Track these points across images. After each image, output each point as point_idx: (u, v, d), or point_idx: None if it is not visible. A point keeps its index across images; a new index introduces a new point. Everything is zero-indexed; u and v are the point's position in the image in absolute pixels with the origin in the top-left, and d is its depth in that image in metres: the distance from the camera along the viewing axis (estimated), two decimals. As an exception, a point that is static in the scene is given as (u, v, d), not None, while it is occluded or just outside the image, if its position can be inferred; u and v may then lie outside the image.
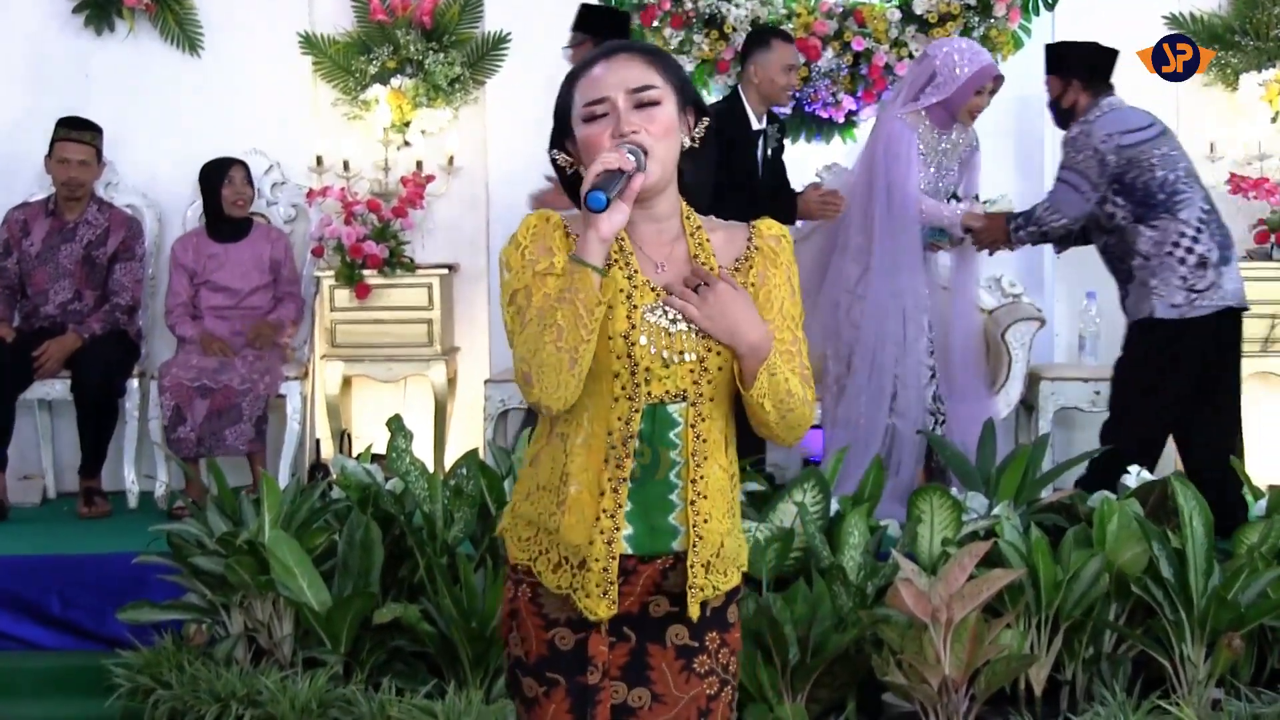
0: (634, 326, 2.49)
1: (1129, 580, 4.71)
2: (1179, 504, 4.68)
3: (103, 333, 6.74)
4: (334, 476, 5.54)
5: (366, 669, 4.80)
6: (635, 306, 2.51)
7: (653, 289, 2.53)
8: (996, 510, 5.06)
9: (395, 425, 5.06)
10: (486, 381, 6.91)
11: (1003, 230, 6.10)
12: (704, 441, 2.54)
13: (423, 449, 6.08)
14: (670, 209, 2.60)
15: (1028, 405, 6.81)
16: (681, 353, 2.50)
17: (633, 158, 2.44)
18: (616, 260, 2.53)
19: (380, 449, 5.57)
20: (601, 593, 2.51)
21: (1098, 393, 6.64)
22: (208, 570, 4.95)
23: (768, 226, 2.65)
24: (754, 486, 5.28)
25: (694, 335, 2.51)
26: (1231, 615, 4.56)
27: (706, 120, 2.62)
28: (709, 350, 2.51)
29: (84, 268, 6.83)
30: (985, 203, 6.45)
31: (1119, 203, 5.80)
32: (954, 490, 5.23)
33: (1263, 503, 5.30)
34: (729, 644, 2.64)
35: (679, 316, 2.51)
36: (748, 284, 2.59)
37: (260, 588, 4.84)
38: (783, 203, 6.28)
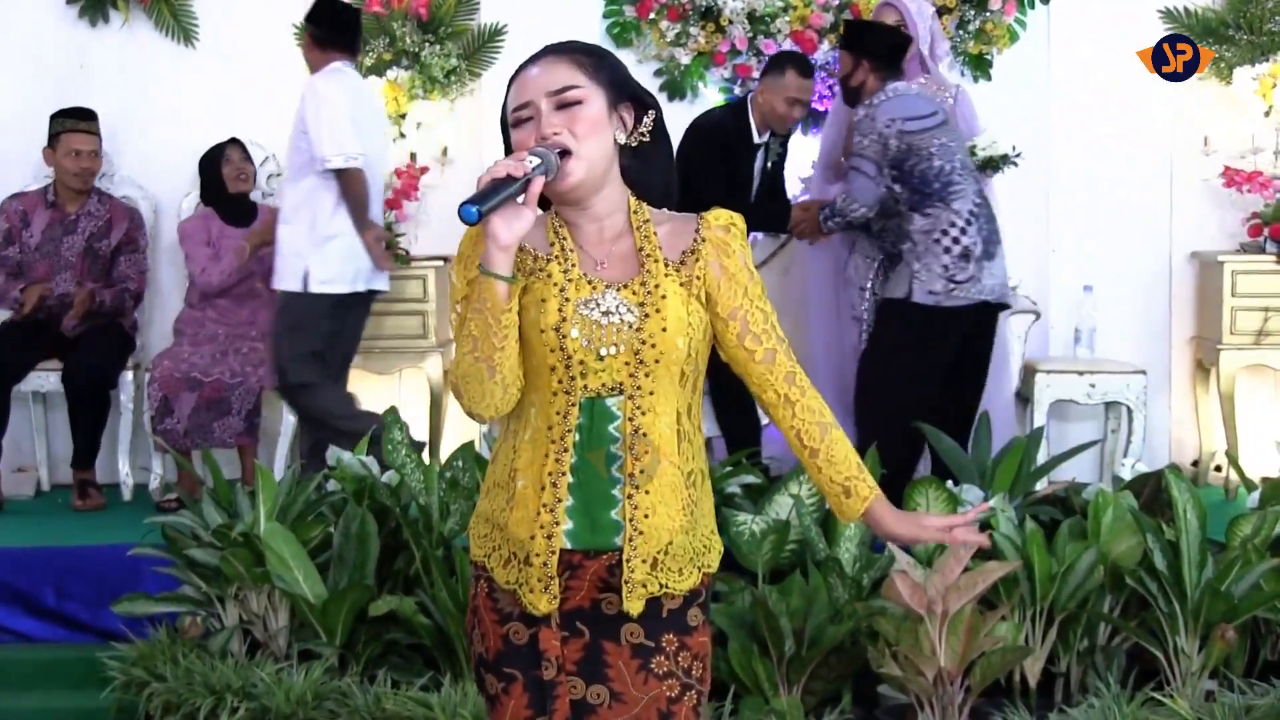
0: (565, 319, 2.49)
1: (1123, 572, 4.72)
2: (1173, 496, 4.69)
3: (111, 304, 6.74)
4: (329, 468, 5.53)
5: (362, 661, 4.80)
6: (568, 300, 2.51)
7: (589, 282, 2.54)
8: (992, 502, 5.06)
9: (391, 417, 5.06)
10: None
11: (816, 220, 6.17)
12: (644, 435, 2.52)
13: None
14: (611, 206, 2.60)
15: (1023, 398, 6.82)
16: (615, 345, 2.50)
17: (537, 161, 2.42)
18: (556, 257, 2.54)
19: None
20: (543, 588, 2.52)
21: (1093, 386, 6.66)
22: (203, 562, 4.95)
23: (715, 217, 2.64)
24: (750, 479, 5.28)
25: (626, 328, 2.51)
26: (1225, 607, 4.57)
27: (653, 114, 2.62)
28: (643, 343, 2.51)
29: (86, 259, 6.82)
30: None
31: (896, 189, 5.86)
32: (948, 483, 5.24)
33: (1255, 495, 5.31)
34: (690, 648, 2.60)
35: (611, 309, 2.51)
36: (694, 276, 2.57)
37: (255, 580, 4.85)
38: (777, 210, 6.33)
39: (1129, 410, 6.65)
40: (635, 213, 2.61)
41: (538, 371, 2.52)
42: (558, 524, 2.51)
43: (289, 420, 6.83)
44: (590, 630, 2.57)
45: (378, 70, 7.22)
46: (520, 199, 2.40)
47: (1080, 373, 6.72)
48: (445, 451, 6.58)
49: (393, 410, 5.11)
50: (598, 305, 2.52)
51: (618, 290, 2.53)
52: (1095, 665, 4.76)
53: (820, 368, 6.35)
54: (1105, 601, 4.80)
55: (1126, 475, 5.38)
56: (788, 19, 7.08)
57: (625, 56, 7.19)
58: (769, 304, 2.65)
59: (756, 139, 6.36)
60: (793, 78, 6.35)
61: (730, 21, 7.11)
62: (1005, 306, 6.05)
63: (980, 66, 7.21)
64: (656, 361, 2.51)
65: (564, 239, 2.56)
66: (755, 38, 7.13)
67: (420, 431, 6.68)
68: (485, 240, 2.43)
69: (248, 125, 7.11)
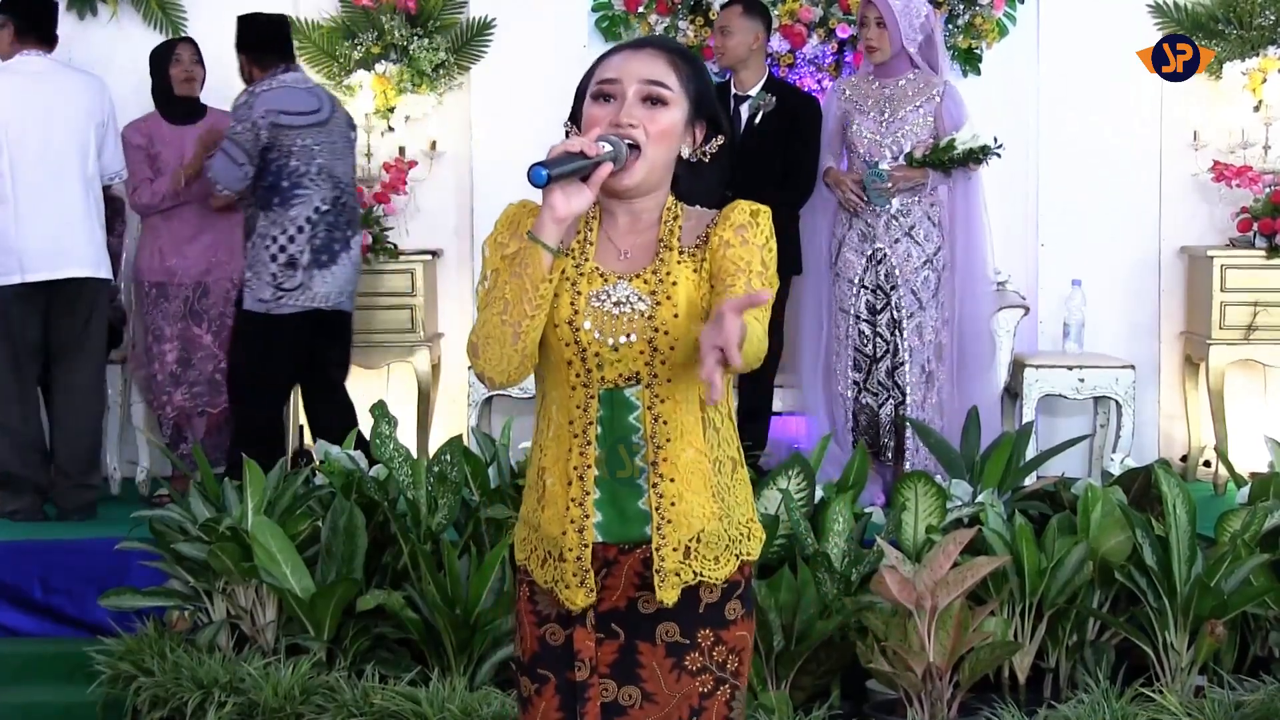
0: (577, 312, 2.50)
1: (1112, 568, 4.72)
2: (1163, 492, 4.68)
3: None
4: (317, 463, 5.52)
5: (350, 656, 4.79)
6: (579, 293, 2.52)
7: (601, 275, 2.54)
8: (981, 497, 5.06)
9: (379, 411, 5.04)
10: (470, 368, 6.88)
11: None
12: (665, 424, 2.52)
13: (406, 435, 6.06)
14: (653, 206, 2.60)
15: (1012, 393, 6.82)
16: (628, 335, 2.50)
17: (608, 148, 2.44)
18: (573, 250, 2.55)
19: (364, 435, 5.56)
20: (579, 582, 2.51)
21: (1082, 380, 6.67)
22: (190, 556, 4.94)
23: (738, 209, 2.58)
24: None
25: (640, 317, 2.50)
26: (1214, 603, 4.57)
27: (721, 139, 2.61)
28: (656, 331, 2.50)
29: None
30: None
31: (257, 182, 5.98)
32: (938, 477, 5.23)
33: (1245, 490, 5.31)
34: (726, 642, 2.57)
35: (622, 299, 2.51)
36: (702, 259, 2.55)
37: (243, 574, 4.83)
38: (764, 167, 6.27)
39: (1118, 405, 6.65)
40: (668, 209, 2.61)
41: (556, 367, 2.53)
42: (588, 517, 2.52)
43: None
44: (625, 631, 2.57)
45: (366, 64, 7.21)
46: (584, 179, 2.43)
47: (1069, 367, 6.72)
48: (433, 445, 6.57)
49: (380, 404, 5.09)
50: (609, 296, 2.52)
51: (629, 280, 2.53)
52: (1084, 661, 4.76)
53: (805, 358, 6.34)
54: (1094, 597, 4.80)
55: (1115, 470, 5.38)
56: (777, 12, 7.06)
57: (614, 50, 7.22)
58: (758, 279, 2.52)
59: (734, 91, 6.36)
60: (719, 12, 6.54)
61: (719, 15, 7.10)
62: (344, 314, 6.18)
63: (970, 61, 7.21)
64: (671, 349, 2.50)
65: (590, 228, 2.57)
66: (744, 31, 7.11)
67: (409, 426, 6.67)
68: (541, 209, 2.44)
69: (236, 118, 7.09)
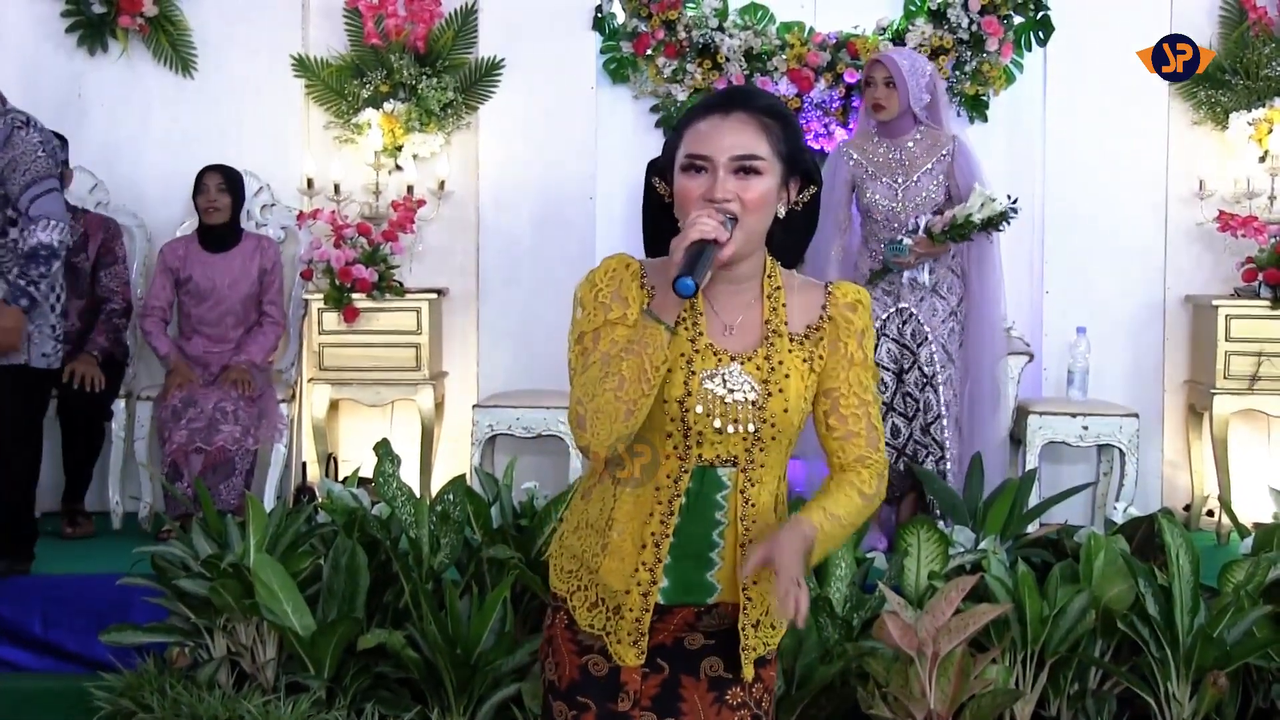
0: (690, 394, 2.50)
1: (1115, 617, 4.71)
2: (1166, 541, 4.68)
3: (109, 344, 6.71)
4: (320, 500, 5.52)
5: (350, 695, 4.77)
6: (694, 373, 2.51)
7: (714, 353, 2.53)
8: (983, 544, 5.06)
9: (382, 450, 5.05)
10: (474, 406, 6.90)
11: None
12: (753, 506, 2.55)
13: (409, 474, 6.06)
14: (752, 271, 2.59)
15: (1015, 439, 6.81)
16: (736, 421, 2.51)
17: (724, 230, 2.44)
18: (685, 319, 2.53)
19: (367, 473, 5.56)
20: (632, 641, 2.55)
21: (1085, 428, 6.65)
22: (192, 593, 4.93)
23: (844, 293, 2.63)
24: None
25: (750, 407, 2.51)
26: (1217, 654, 4.56)
27: (814, 190, 2.60)
28: (764, 422, 2.52)
29: (68, 278, 6.72)
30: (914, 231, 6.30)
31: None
32: (941, 524, 5.23)
33: (1248, 541, 5.30)
34: (764, 680, 2.65)
35: (735, 386, 2.52)
36: (816, 354, 2.58)
37: (244, 611, 4.83)
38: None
39: (1121, 453, 6.64)
40: (769, 277, 2.60)
41: (653, 431, 2.52)
42: (655, 583, 2.54)
43: (279, 450, 6.82)
44: (670, 665, 2.61)
45: (375, 102, 7.23)
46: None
47: (1073, 415, 6.71)
48: (436, 484, 6.57)
49: (384, 442, 5.10)
50: (723, 380, 2.52)
51: (741, 364, 2.53)
52: (1086, 710, 4.75)
53: None
54: (1097, 646, 4.79)
55: (1119, 519, 5.38)
56: (784, 57, 7.10)
57: (622, 92, 7.27)
58: (871, 390, 2.62)
59: None
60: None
61: (727, 59, 7.13)
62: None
63: (977, 108, 7.23)
64: (773, 439, 2.54)
65: (695, 299, 2.54)
66: (752, 75, 7.15)
67: (411, 464, 6.67)
68: (666, 289, 2.42)
69: (244, 156, 7.12)
